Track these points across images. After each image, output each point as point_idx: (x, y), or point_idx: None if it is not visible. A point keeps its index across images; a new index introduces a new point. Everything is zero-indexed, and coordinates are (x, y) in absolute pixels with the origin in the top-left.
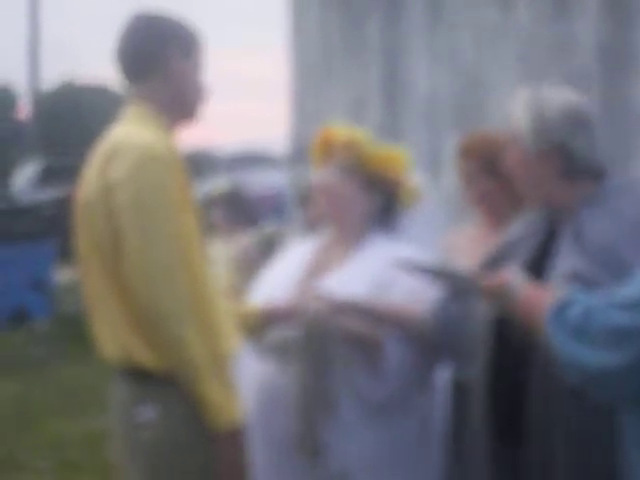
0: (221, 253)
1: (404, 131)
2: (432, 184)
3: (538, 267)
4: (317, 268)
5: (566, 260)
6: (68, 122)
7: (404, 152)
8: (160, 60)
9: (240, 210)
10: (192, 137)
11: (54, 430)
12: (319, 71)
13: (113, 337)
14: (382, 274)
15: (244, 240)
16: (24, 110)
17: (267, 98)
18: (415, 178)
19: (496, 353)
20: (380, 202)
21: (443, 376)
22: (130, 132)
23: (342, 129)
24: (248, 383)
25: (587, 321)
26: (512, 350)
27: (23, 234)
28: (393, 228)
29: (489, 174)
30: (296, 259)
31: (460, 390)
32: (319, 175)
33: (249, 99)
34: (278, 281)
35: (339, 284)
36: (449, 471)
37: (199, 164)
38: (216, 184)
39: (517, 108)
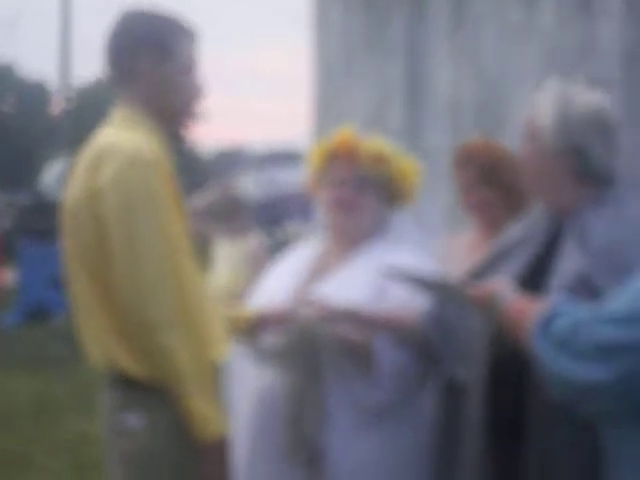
0: (226, 252)
1: (425, 131)
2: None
3: (541, 268)
4: (317, 272)
5: (569, 260)
6: (99, 119)
7: (419, 164)
8: (128, 65)
9: (238, 217)
10: (218, 135)
11: (71, 429)
12: (341, 69)
13: (99, 343)
14: (378, 279)
15: (253, 242)
16: (59, 106)
17: (285, 93)
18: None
19: (495, 359)
20: (387, 210)
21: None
22: (116, 136)
23: (371, 139)
24: (243, 388)
25: (574, 334)
26: (511, 358)
27: (48, 231)
28: (388, 231)
29: (487, 182)
30: (298, 262)
31: (453, 392)
32: (339, 184)
33: (267, 95)
34: (278, 285)
35: (335, 289)
36: (441, 474)
37: (229, 162)
38: (206, 192)
39: (542, 103)
